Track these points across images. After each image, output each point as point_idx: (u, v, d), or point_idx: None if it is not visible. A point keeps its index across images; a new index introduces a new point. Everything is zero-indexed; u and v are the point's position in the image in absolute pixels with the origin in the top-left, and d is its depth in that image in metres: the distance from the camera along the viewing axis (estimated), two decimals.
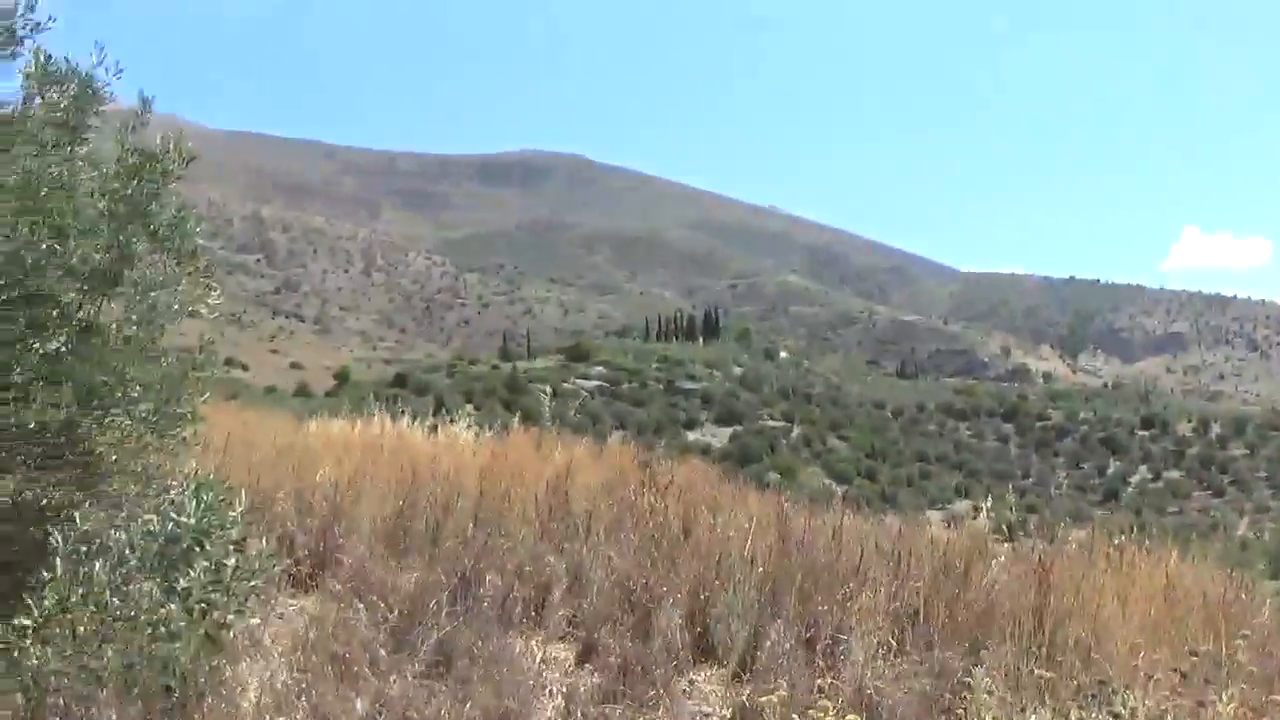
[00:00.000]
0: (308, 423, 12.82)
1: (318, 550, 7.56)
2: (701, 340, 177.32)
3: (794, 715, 4.53)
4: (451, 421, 12.58)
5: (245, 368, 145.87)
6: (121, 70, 4.72)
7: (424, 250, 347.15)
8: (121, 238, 4.61)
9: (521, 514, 8.79)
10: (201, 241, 4.86)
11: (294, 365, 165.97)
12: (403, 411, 13.11)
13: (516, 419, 14.00)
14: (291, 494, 8.35)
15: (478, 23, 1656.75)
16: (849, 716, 4.26)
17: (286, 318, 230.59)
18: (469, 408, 15.91)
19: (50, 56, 4.62)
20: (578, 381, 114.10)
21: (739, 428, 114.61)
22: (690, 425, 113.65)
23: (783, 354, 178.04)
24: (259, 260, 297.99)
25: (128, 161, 4.67)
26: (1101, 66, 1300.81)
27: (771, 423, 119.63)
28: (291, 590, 7.16)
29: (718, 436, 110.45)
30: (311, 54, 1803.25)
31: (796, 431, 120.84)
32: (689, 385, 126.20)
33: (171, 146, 4.79)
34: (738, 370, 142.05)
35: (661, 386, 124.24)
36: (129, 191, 4.62)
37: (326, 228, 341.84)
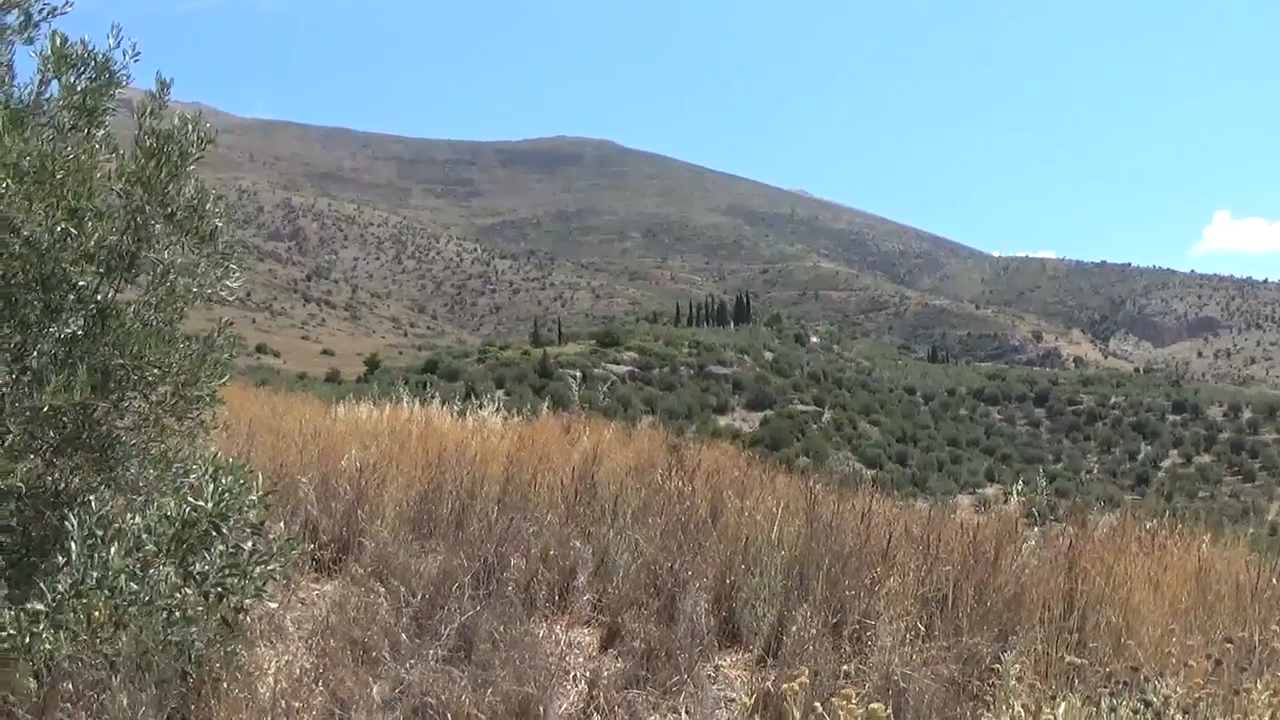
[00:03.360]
0: (336, 408, 12.77)
1: (341, 535, 7.53)
2: (733, 325, 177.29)
3: (818, 701, 4.45)
4: (480, 407, 12.53)
5: (277, 354, 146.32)
6: (139, 54, 4.67)
7: (455, 237, 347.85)
8: (139, 220, 4.57)
9: (548, 498, 8.74)
10: (219, 223, 4.81)
11: (325, 352, 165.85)
12: (432, 397, 13.08)
13: (546, 404, 13.99)
14: (316, 479, 8.31)
15: (507, 10, 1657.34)
16: (873, 705, 4.17)
17: (318, 304, 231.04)
18: (499, 393, 15.79)
19: (67, 40, 4.57)
20: (608, 367, 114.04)
21: (770, 412, 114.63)
22: (721, 410, 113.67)
23: (813, 339, 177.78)
24: (290, 248, 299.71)
25: (145, 143, 4.62)
26: (1135, 51, 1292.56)
27: (802, 407, 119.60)
28: (314, 575, 7.12)
29: (748, 421, 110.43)
30: (343, 43, 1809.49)
31: (827, 416, 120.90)
32: (720, 370, 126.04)
33: (190, 128, 4.73)
34: (769, 355, 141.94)
35: (692, 371, 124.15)
36: (146, 174, 4.57)
37: (358, 215, 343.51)
